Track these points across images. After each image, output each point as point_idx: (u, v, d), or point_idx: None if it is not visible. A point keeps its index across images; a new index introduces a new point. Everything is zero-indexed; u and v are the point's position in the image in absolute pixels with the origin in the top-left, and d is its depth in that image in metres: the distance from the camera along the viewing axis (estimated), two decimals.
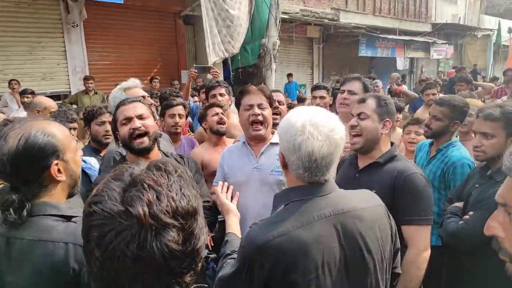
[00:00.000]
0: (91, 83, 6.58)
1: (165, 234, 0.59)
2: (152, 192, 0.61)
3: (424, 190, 1.68)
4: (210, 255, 2.77)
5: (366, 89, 2.56)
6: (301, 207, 1.14)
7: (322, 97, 3.57)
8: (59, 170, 1.14)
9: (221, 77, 6.64)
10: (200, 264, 0.67)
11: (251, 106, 2.05)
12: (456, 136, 2.50)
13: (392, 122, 1.84)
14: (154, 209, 0.59)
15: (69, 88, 7.13)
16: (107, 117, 2.69)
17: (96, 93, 6.66)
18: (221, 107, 2.80)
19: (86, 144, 2.98)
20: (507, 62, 14.55)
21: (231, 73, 8.52)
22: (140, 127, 1.73)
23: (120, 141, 1.81)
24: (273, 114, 2.22)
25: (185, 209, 0.63)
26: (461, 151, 2.35)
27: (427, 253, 1.66)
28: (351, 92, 2.52)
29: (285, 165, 1.22)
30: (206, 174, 2.63)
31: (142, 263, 0.58)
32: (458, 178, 2.24)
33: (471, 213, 1.87)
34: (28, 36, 6.63)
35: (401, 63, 14.85)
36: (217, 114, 2.73)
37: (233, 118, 3.06)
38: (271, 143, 2.10)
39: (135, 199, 0.60)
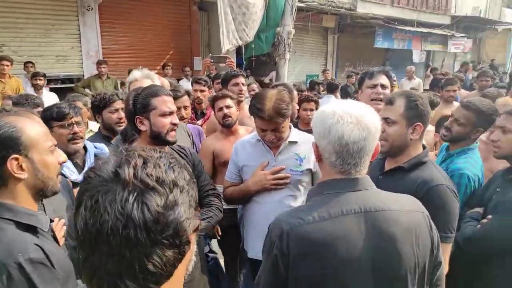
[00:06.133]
0: (104, 67, 6.56)
1: (148, 196, 0.60)
2: (141, 159, 0.64)
3: (447, 205, 1.57)
4: (209, 254, 2.79)
5: (391, 84, 2.44)
6: (331, 199, 1.13)
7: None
8: (21, 167, 1.12)
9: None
10: (187, 248, 0.65)
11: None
12: (477, 143, 2.27)
13: (424, 126, 1.69)
14: (139, 172, 0.61)
15: (82, 71, 7.14)
16: (120, 104, 2.66)
17: (108, 77, 6.65)
18: (228, 97, 2.71)
19: (96, 132, 2.95)
20: None
21: (244, 61, 8.43)
22: (178, 122, 1.82)
23: (146, 130, 1.76)
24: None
25: (171, 179, 0.63)
26: (468, 160, 2.13)
27: (444, 271, 1.59)
28: (384, 87, 2.32)
29: (319, 156, 1.21)
30: (217, 163, 2.64)
31: (123, 223, 0.58)
32: None
33: (489, 217, 1.81)
34: (43, 18, 6.61)
35: (417, 56, 14.53)
36: (221, 109, 2.64)
37: (245, 108, 3.01)
38: (289, 142, 2.04)
39: (124, 162, 0.63)
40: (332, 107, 1.18)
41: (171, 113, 1.78)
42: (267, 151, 2.07)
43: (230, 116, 2.62)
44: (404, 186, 1.59)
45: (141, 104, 1.74)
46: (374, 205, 1.12)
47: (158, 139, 1.76)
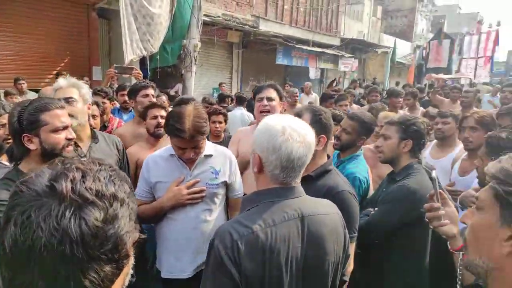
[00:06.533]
0: None
1: (86, 210, 0.58)
2: (79, 172, 0.62)
3: (350, 208, 1.72)
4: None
5: (280, 96, 2.69)
6: (272, 207, 1.23)
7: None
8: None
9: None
10: (126, 262, 0.64)
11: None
12: (361, 150, 2.61)
13: (327, 138, 1.86)
14: (78, 186, 0.60)
15: None
16: (6, 118, 2.38)
17: None
18: (163, 108, 2.72)
19: None
20: (408, 78, 16.58)
21: (148, 72, 8.19)
22: (74, 136, 1.71)
23: (36, 148, 1.61)
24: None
25: (111, 192, 0.62)
26: (358, 165, 2.43)
27: (350, 269, 1.75)
28: (270, 99, 2.60)
29: (260, 168, 1.27)
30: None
31: (58, 238, 0.56)
32: None
33: (375, 209, 2.10)
34: None
35: (313, 73, 15.86)
36: (156, 117, 2.65)
37: None
38: (205, 155, 2.03)
39: (61, 176, 0.61)
40: (279, 123, 1.27)
41: (65, 127, 1.67)
42: (182, 166, 2.02)
43: (162, 126, 2.59)
44: (314, 192, 1.72)
45: (28, 120, 1.58)
46: (308, 210, 1.27)
47: (51, 157, 1.62)
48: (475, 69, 16.11)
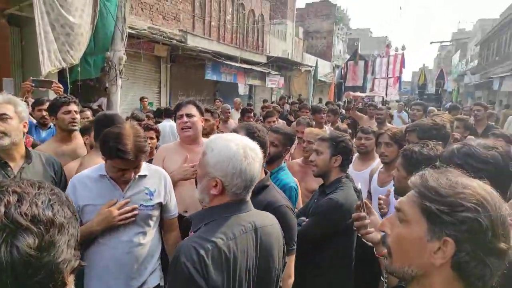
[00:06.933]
0: None
1: (19, 237, 0.55)
2: (15, 196, 0.59)
3: (289, 221, 1.79)
4: None
5: (201, 112, 2.72)
6: (230, 221, 1.28)
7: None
8: None
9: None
10: None
11: None
12: (284, 162, 2.76)
13: (264, 154, 1.89)
14: (12, 210, 0.57)
15: None
16: None
17: None
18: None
19: None
20: (329, 95, 17.75)
21: (69, 85, 7.65)
22: None
23: None
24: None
25: (48, 218, 0.59)
26: (289, 176, 2.58)
27: (291, 280, 1.86)
28: (190, 115, 2.60)
29: (221, 191, 1.30)
30: None
31: None
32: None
33: (307, 219, 2.26)
34: None
35: (242, 89, 16.20)
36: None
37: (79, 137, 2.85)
38: (139, 176, 1.95)
39: None
40: (238, 145, 1.30)
41: None
42: (113, 187, 1.91)
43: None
44: (255, 207, 1.78)
45: None
46: (259, 222, 1.36)
47: None
48: (386, 88, 17.84)
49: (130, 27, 8.47)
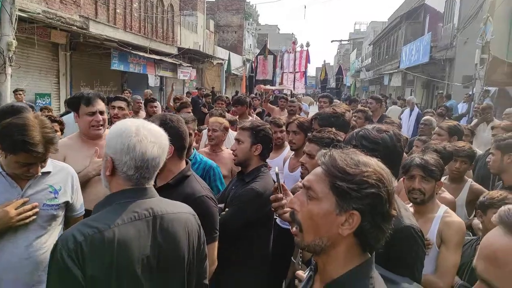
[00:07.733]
0: None
1: None
2: None
3: (208, 210, 1.79)
4: None
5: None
6: (123, 207, 1.24)
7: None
8: None
9: None
10: None
11: None
12: (194, 149, 2.87)
13: (174, 145, 1.79)
14: None
15: None
16: None
17: None
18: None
19: None
20: (242, 88, 18.09)
21: None
22: None
23: None
24: None
25: None
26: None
27: (214, 267, 1.85)
28: (102, 113, 2.48)
29: (112, 170, 1.27)
30: None
31: None
32: None
33: (227, 209, 2.28)
34: None
35: (153, 80, 15.61)
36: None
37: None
38: (42, 173, 1.79)
39: None
40: (132, 124, 1.27)
41: None
42: (11, 185, 1.72)
43: None
44: (174, 199, 1.74)
45: None
46: (161, 209, 1.31)
47: None
48: (294, 82, 18.87)
49: (20, 10, 7.52)
